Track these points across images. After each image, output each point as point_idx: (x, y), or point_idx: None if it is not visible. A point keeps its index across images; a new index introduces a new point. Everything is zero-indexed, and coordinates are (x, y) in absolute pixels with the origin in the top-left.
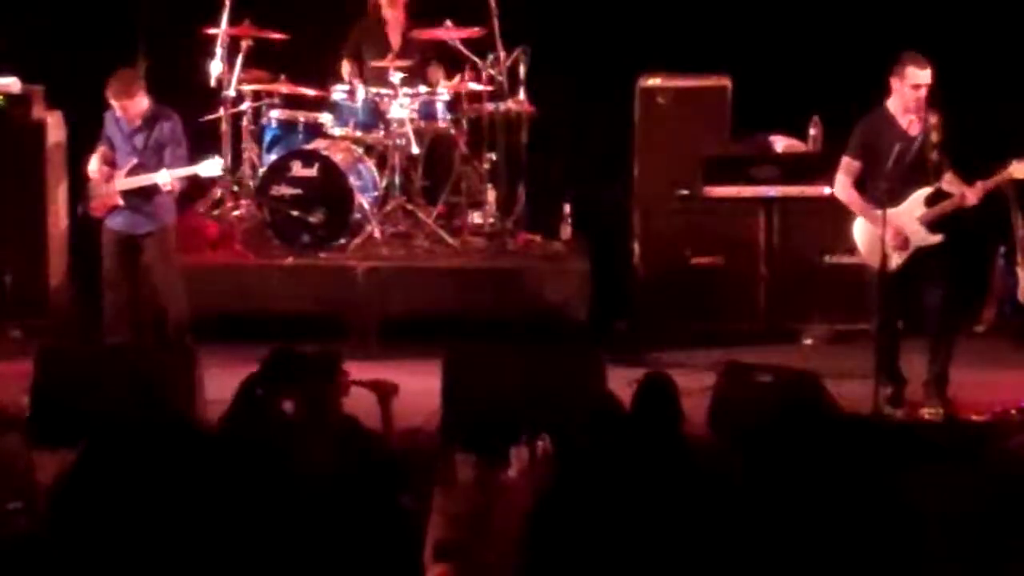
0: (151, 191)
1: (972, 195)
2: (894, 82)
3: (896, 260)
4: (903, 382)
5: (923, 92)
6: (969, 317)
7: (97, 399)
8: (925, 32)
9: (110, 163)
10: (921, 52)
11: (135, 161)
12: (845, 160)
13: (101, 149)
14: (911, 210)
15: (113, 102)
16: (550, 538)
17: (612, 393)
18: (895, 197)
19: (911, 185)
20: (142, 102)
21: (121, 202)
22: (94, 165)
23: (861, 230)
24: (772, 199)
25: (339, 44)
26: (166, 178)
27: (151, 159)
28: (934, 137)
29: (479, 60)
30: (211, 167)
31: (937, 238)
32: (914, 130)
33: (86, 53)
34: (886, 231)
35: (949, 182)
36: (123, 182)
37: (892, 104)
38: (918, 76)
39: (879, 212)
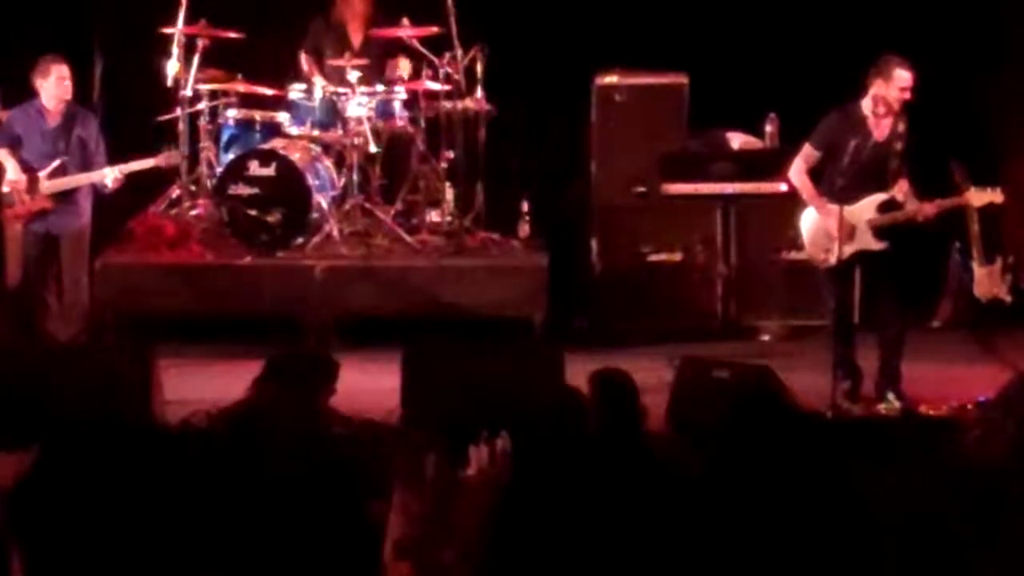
0: (75, 189)
1: (924, 213)
2: (877, 83)
3: (834, 258)
4: (860, 377)
5: (908, 94)
6: (925, 312)
7: (53, 400)
8: (881, 29)
9: (25, 167)
10: (875, 49)
11: (58, 161)
12: (806, 147)
13: (9, 153)
14: (862, 212)
15: (62, 68)
16: (511, 537)
17: (574, 388)
18: (849, 196)
19: (866, 187)
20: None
21: (50, 205)
22: (14, 174)
23: (807, 221)
24: (729, 196)
25: (296, 41)
26: (114, 174)
27: (74, 158)
28: (898, 145)
29: (436, 59)
30: (171, 158)
31: (880, 245)
32: (881, 134)
33: (43, 53)
34: (832, 223)
35: (902, 193)
36: (55, 183)
37: (866, 104)
38: (904, 79)
39: (830, 204)
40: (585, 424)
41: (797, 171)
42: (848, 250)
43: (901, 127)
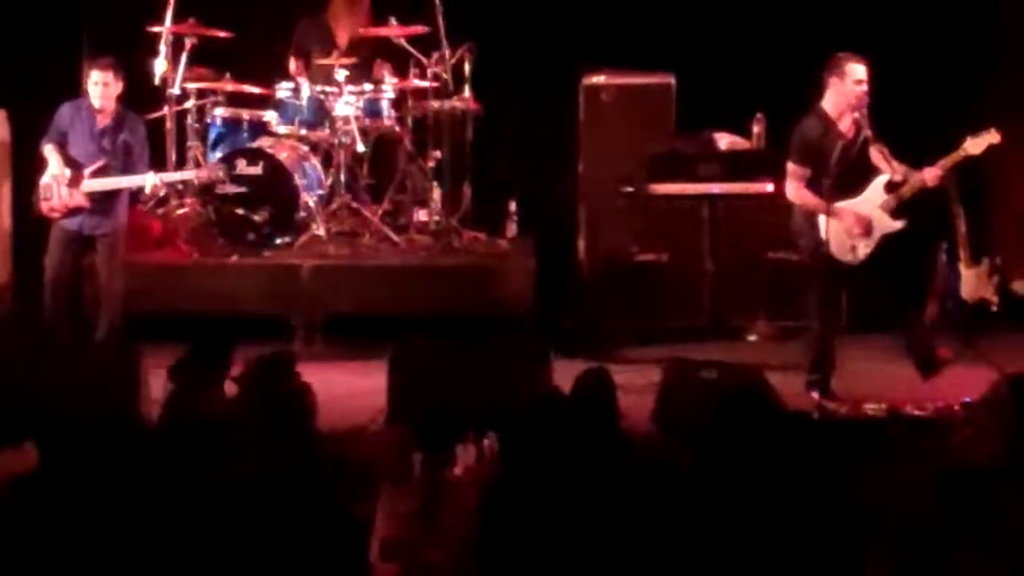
0: (113, 191)
1: (931, 176)
2: (833, 82)
3: (863, 250)
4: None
5: (865, 87)
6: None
7: (41, 398)
8: (865, 29)
9: (69, 163)
10: (861, 48)
11: (102, 162)
12: (792, 167)
13: (55, 148)
14: (872, 198)
15: (100, 74)
16: (498, 536)
17: (556, 389)
18: (846, 192)
19: (859, 179)
20: (119, 89)
21: (87, 204)
22: (57, 168)
23: (827, 223)
24: (716, 196)
25: (286, 41)
26: (154, 181)
27: (117, 161)
28: (867, 131)
29: (424, 58)
30: (212, 172)
31: (900, 224)
32: (849, 129)
33: (31, 51)
34: (847, 220)
35: (896, 171)
36: (95, 183)
37: (828, 104)
38: (859, 72)
39: (838, 205)
40: (567, 424)
41: (796, 192)
42: (873, 241)
43: (858, 114)
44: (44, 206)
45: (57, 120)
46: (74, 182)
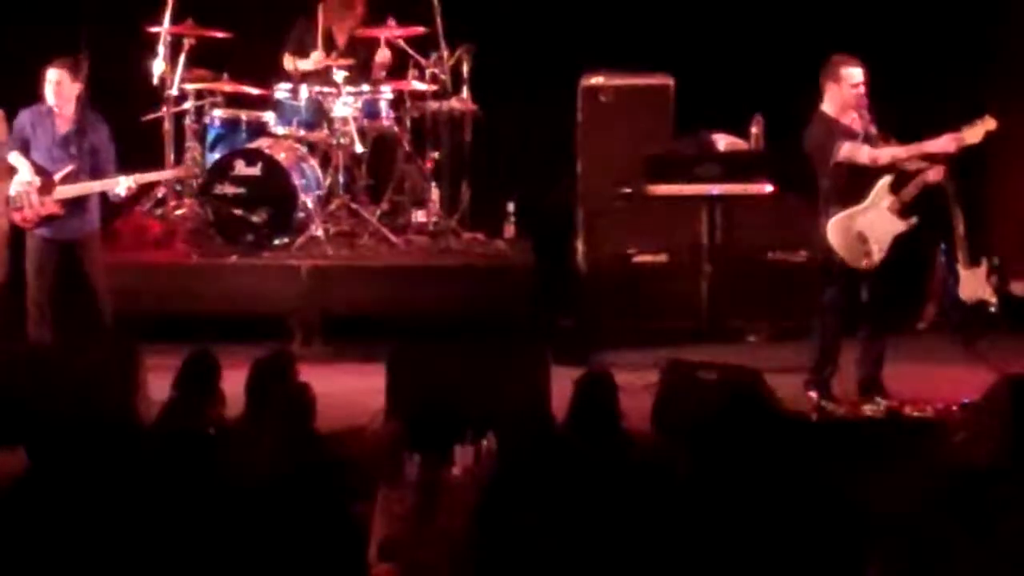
0: (86, 195)
1: (934, 172)
2: (831, 86)
3: (877, 255)
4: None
5: (863, 88)
6: (911, 314)
7: (37, 400)
8: (864, 28)
9: (38, 170)
10: (860, 47)
11: (71, 167)
12: (844, 147)
13: (21, 155)
14: (878, 202)
15: (55, 72)
16: (495, 536)
17: (540, 399)
18: (849, 197)
19: (864, 184)
20: (76, 90)
21: (60, 211)
22: (28, 176)
23: (834, 233)
24: (715, 197)
25: (281, 41)
26: (128, 183)
27: (84, 164)
28: (872, 129)
29: (423, 59)
30: (188, 170)
31: (911, 222)
32: (857, 126)
33: (28, 50)
34: (874, 220)
35: (905, 155)
36: (68, 189)
37: (828, 107)
38: (855, 75)
39: (858, 206)
40: (557, 428)
41: (869, 154)
42: (886, 244)
43: (857, 115)
44: (16, 217)
45: (17, 126)
46: (45, 189)
